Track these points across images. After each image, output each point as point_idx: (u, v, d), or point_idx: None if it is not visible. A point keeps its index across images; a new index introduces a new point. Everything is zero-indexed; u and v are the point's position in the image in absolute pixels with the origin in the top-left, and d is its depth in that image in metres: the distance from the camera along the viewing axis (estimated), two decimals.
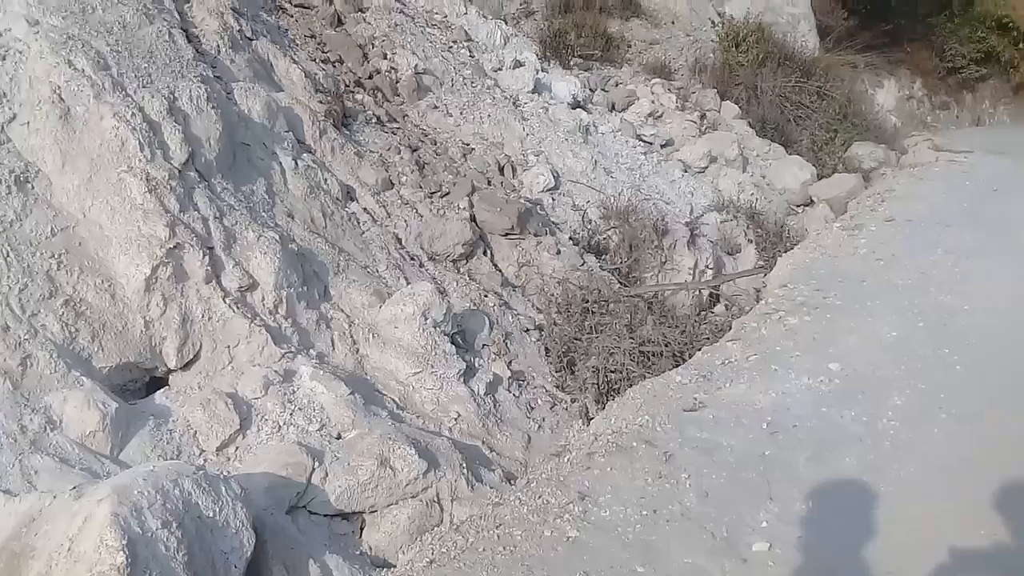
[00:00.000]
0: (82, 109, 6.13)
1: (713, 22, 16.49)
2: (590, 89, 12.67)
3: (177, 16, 7.83)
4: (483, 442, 5.84)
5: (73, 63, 6.29)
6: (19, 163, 5.71)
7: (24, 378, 4.63)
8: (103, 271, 5.48)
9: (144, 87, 6.56)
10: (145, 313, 5.34)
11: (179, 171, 6.27)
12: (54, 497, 3.68)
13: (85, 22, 6.76)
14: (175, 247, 5.66)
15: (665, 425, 5.22)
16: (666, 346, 6.93)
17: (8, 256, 5.17)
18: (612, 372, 6.54)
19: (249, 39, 8.52)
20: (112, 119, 6.11)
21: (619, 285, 8.18)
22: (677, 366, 6.52)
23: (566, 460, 4.96)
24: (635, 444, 4.96)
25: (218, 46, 7.94)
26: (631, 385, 6.26)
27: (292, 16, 9.94)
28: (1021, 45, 33.38)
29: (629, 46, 15.10)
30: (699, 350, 6.77)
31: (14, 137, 5.85)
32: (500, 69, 11.43)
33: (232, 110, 7.29)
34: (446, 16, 12.22)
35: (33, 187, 5.64)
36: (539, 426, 6.29)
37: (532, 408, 6.44)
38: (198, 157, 6.58)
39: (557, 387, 6.76)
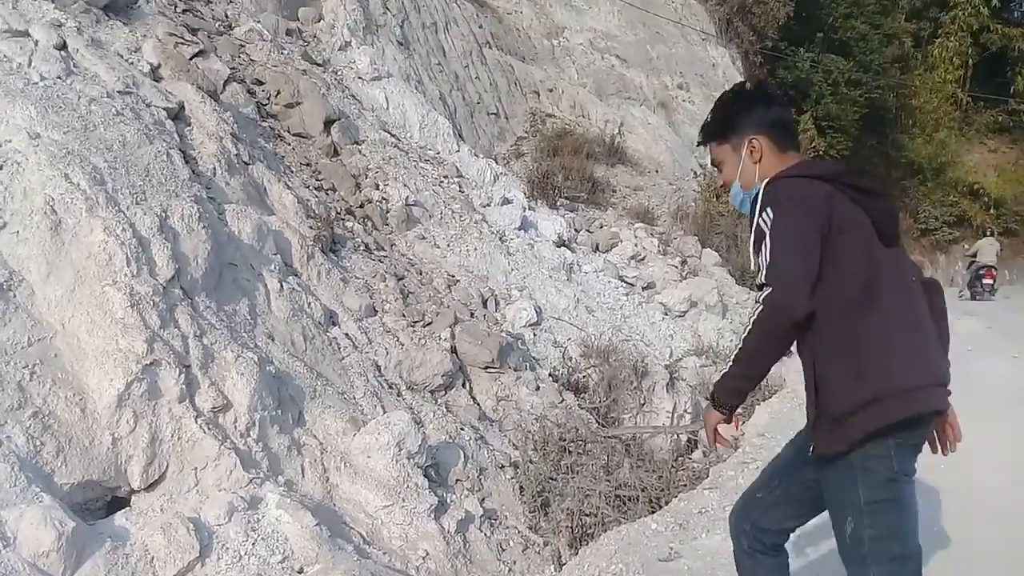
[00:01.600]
0: (73, 222, 6.19)
1: (695, 172, 17.13)
2: (575, 229, 12.99)
3: (177, 138, 8.05)
4: None
5: (69, 177, 6.39)
6: (3, 271, 5.71)
7: None
8: (75, 384, 5.39)
9: (137, 203, 6.66)
10: (114, 430, 5.22)
11: (163, 288, 6.28)
12: None
13: (86, 138, 6.93)
14: (151, 363, 5.59)
15: (639, 574, 5.06)
16: (643, 491, 6.82)
17: None
18: (587, 515, 6.39)
19: (246, 163, 8.73)
20: (102, 233, 6.16)
21: (597, 425, 8.13)
22: (653, 511, 6.40)
23: None
24: None
25: (214, 168, 8.12)
26: (606, 530, 6.11)
27: (289, 144, 10.24)
28: (991, 211, 34.86)
29: (614, 191, 15.61)
30: (676, 497, 6.66)
31: (1, 245, 5.87)
32: (488, 205, 11.72)
33: (223, 230, 7.38)
34: (439, 152, 12.62)
35: (15, 295, 5.61)
36: (509, 569, 6.09)
37: (503, 550, 6.25)
38: (184, 275, 6.61)
39: (530, 528, 6.58)
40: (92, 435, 5.16)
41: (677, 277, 12.70)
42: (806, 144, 24.08)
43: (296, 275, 7.90)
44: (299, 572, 4.96)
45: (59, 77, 7.51)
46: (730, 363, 2.77)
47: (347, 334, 7.72)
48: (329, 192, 9.85)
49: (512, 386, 8.07)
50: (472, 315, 8.98)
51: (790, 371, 11.48)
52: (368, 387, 7.16)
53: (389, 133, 11.96)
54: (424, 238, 10.20)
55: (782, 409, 8.97)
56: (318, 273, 8.13)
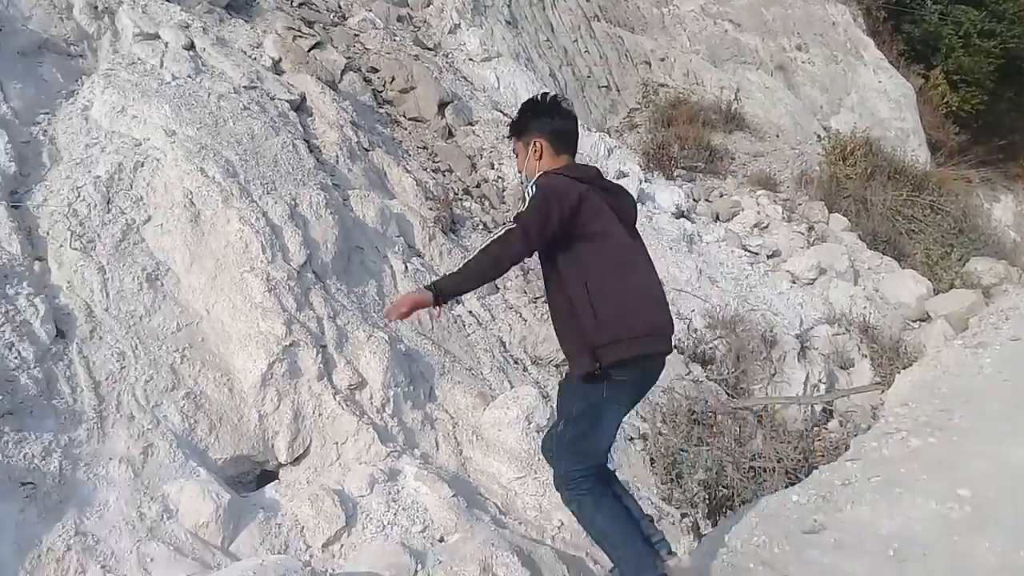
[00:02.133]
0: (210, 213, 6.51)
1: (819, 136, 16.46)
2: (694, 199, 12.72)
3: (300, 128, 8.33)
4: (587, 554, 5.63)
5: (205, 170, 6.72)
6: (151, 262, 6.06)
7: (144, 466, 4.77)
8: (222, 365, 5.68)
9: (268, 193, 6.94)
10: (260, 407, 5.47)
11: (297, 272, 6.53)
12: None
13: (217, 133, 7.25)
14: (291, 344, 5.83)
15: (783, 547, 4.93)
16: (778, 462, 6.65)
17: (136, 349, 5.43)
18: (723, 487, 6.28)
19: (366, 150, 8.95)
20: (238, 222, 6.45)
21: (726, 396, 7.96)
22: (790, 483, 6.22)
23: None
24: (752, 566, 4.69)
25: (337, 156, 8.36)
26: (742, 502, 5.99)
27: (406, 129, 10.43)
28: None
29: (733, 158, 15.19)
30: (815, 468, 6.45)
31: (147, 237, 6.23)
32: None
33: (348, 216, 7.60)
34: None
35: (163, 284, 5.96)
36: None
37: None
38: (315, 259, 6.85)
39: (663, 499, 6.53)
40: (240, 413, 5.42)
41: (804, 244, 12.25)
42: (937, 100, 22.83)
43: (419, 256, 8.05)
44: (439, 541, 5.08)
45: (189, 76, 7.89)
46: (460, 267, 3.46)
47: (471, 312, 7.83)
48: (446, 173, 9.98)
49: None
50: None
51: (929, 338, 10.96)
52: (494, 362, 7.24)
53: (501, 112, 11.99)
54: None
55: (925, 377, 8.54)
56: (440, 253, 8.26)
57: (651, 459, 6.92)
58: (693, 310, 9.43)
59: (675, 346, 8.65)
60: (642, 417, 7.42)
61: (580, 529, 5.77)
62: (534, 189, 3.35)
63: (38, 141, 6.54)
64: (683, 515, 6.29)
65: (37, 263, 5.67)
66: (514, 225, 3.22)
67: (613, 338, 3.34)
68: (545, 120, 3.48)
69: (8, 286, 5.32)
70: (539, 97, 3.58)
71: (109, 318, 5.54)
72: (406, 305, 3.44)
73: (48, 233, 5.88)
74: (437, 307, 3.44)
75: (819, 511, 5.49)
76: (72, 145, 6.61)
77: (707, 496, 6.27)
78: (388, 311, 3.52)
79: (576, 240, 3.33)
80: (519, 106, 3.65)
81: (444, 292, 3.39)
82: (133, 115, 6.94)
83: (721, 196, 13.33)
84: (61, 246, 5.79)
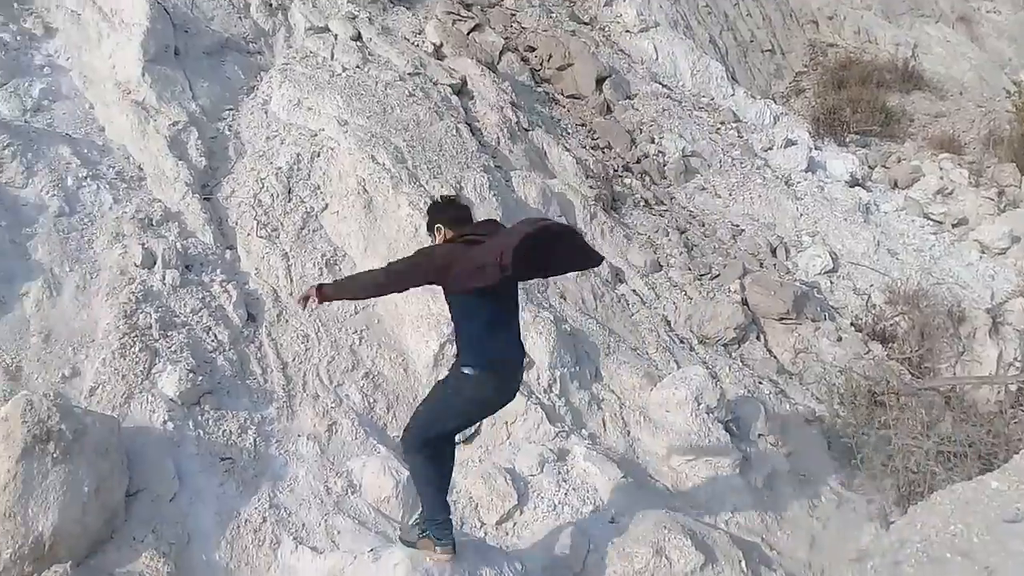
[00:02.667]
0: (382, 199, 6.75)
1: (1008, 91, 15.10)
2: (868, 166, 12.01)
3: (463, 112, 8.48)
4: (762, 539, 5.49)
5: (375, 158, 6.97)
6: (329, 247, 6.37)
7: (330, 443, 5.04)
8: (397, 347, 5.90)
9: (435, 177, 7.11)
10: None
11: None
12: (355, 557, 3.92)
13: (386, 121, 7.50)
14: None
15: (983, 536, 4.59)
16: (970, 446, 6.20)
17: (319, 331, 5.73)
18: (912, 472, 5.92)
19: (526, 130, 9.00)
20: (408, 207, 6.66)
21: (910, 376, 7.50)
22: (986, 469, 5.78)
23: (869, 568, 4.51)
24: (949, 555, 4.40)
25: (498, 137, 8.45)
26: (932, 488, 5.63)
27: (564, 107, 10.40)
28: None
29: (911, 120, 14.20)
30: (1016, 453, 5.96)
31: (325, 224, 6.54)
32: (770, 148, 11.17)
33: (510, 196, 7.68)
34: (713, 99, 12.21)
35: (340, 269, 6.24)
36: (824, 526, 5.83)
37: (815, 506, 5.99)
38: None
39: (842, 484, 6.25)
40: (415, 392, 5.62)
41: (993, 211, 11.30)
42: None
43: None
44: (610, 522, 5.08)
45: (357, 66, 8.19)
46: (345, 279, 4.55)
47: (634, 290, 7.75)
48: (605, 150, 9.89)
49: (811, 337, 7.67)
50: (761, 265, 8.63)
51: None
52: (660, 342, 7.14)
53: (661, 84, 11.75)
54: (704, 188, 9.95)
55: None
56: (601, 231, 8.21)
57: (828, 442, 6.63)
58: (871, 285, 8.92)
59: (852, 323, 8.24)
60: (817, 398, 7.12)
61: (754, 513, 5.65)
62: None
63: (224, 136, 6.99)
64: (868, 501, 6.00)
65: (228, 251, 6.09)
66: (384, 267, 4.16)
67: None
68: (444, 212, 4.31)
69: (204, 273, 5.74)
70: (438, 199, 4.56)
71: (293, 302, 5.86)
72: (302, 295, 4.21)
73: (237, 223, 6.28)
74: (317, 302, 4.13)
75: (1022, 499, 5.08)
76: (255, 138, 7.02)
77: (898, 482, 5.92)
78: (302, 300, 4.20)
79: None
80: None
81: (325, 292, 4.13)
82: (308, 107, 7.28)
83: (899, 161, 12.50)
84: (249, 235, 6.18)
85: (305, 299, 4.12)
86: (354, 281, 4.43)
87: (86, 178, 5.90)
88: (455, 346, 4.23)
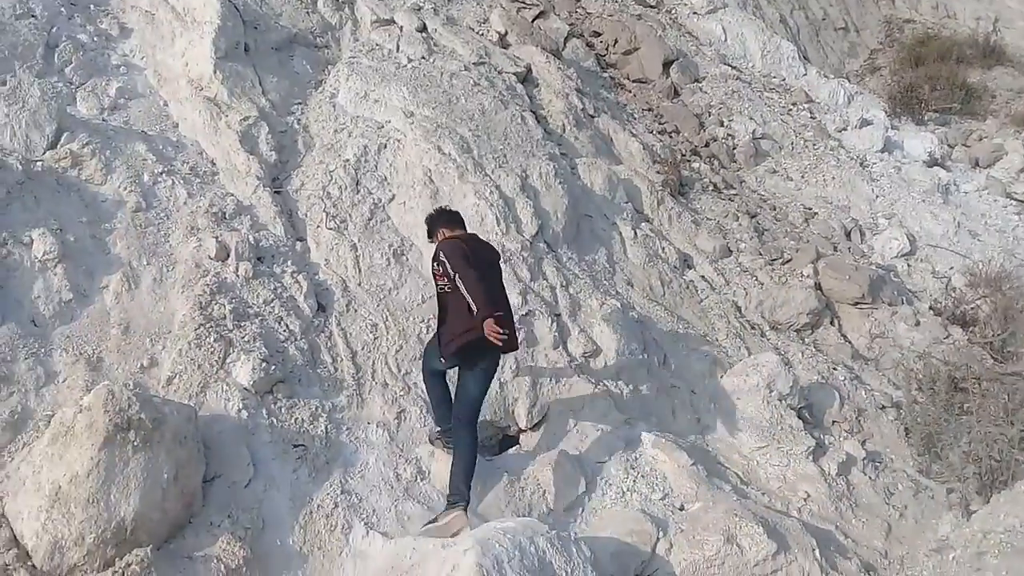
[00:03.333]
0: (448, 189, 6.79)
1: None
2: (948, 145, 11.58)
3: (527, 99, 8.46)
4: (836, 527, 5.37)
5: (442, 148, 7.01)
6: (396, 238, 6.43)
7: (399, 430, 5.11)
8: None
9: (500, 167, 7.12)
10: (500, 375, 5.65)
11: (530, 243, 6.67)
12: (425, 543, 3.96)
13: (451, 111, 7.53)
14: (527, 313, 5.98)
15: None
16: None
17: (387, 320, 5.79)
18: (994, 460, 5.70)
19: (591, 116, 8.93)
20: (474, 197, 6.69)
21: (993, 361, 7.21)
22: None
23: (951, 558, 4.38)
24: None
25: (563, 125, 8.41)
26: (1015, 477, 5.42)
27: (630, 91, 10.29)
28: None
29: (993, 96, 13.62)
30: None
31: (392, 215, 6.61)
32: (845, 129, 10.85)
33: (576, 184, 7.64)
34: (784, 79, 11.93)
35: (407, 259, 6.30)
36: (900, 514, 5.67)
37: (891, 494, 5.82)
38: (546, 229, 6.96)
39: (920, 472, 6.06)
40: None
41: None
42: None
43: (648, 221, 7.95)
44: (680, 509, 5.03)
45: (423, 57, 8.23)
46: (475, 294, 4.63)
47: (703, 276, 7.64)
48: (673, 135, 9.75)
49: (887, 322, 7.45)
50: (835, 249, 8.41)
51: None
52: (730, 328, 7.02)
53: (729, 66, 11.53)
54: (775, 171, 9.73)
55: None
56: (669, 217, 8.11)
57: (906, 429, 6.43)
58: (951, 267, 8.61)
59: (931, 307, 7.96)
60: (894, 384, 6.91)
61: (828, 501, 5.53)
62: (438, 252, 4.83)
63: (293, 130, 7.11)
64: (948, 490, 5.80)
65: (298, 243, 6.20)
66: (458, 272, 4.62)
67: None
68: (442, 219, 5.13)
69: (275, 265, 5.86)
70: (436, 211, 5.31)
71: (362, 292, 5.94)
72: (496, 335, 4.49)
73: (306, 215, 6.40)
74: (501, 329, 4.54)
75: None
76: (323, 132, 7.13)
77: (979, 471, 5.71)
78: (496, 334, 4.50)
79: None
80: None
81: (485, 316, 4.51)
82: (375, 99, 7.36)
83: (980, 140, 12.01)
84: (318, 226, 6.28)
85: (492, 329, 4.45)
86: (476, 290, 4.58)
87: (161, 174, 6.07)
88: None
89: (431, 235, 5.14)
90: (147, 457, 4.01)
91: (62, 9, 6.98)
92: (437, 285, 4.88)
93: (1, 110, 5.90)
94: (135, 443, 3.99)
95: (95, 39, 6.97)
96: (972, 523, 4.87)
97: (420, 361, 5.36)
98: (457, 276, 4.60)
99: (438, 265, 4.79)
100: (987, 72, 14.36)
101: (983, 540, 4.39)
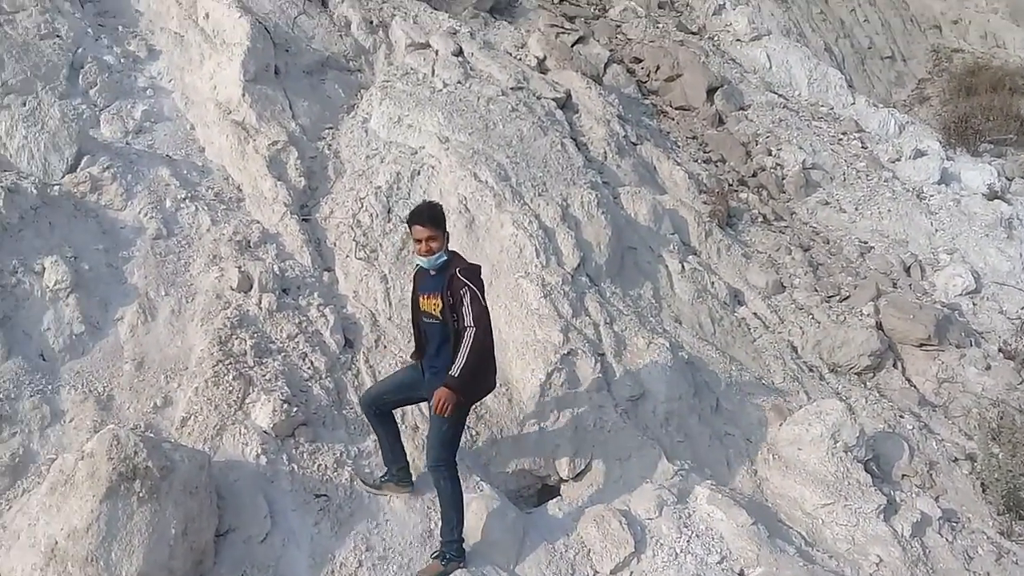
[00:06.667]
0: (484, 218, 6.40)
1: None
2: (1007, 177, 11.00)
3: (567, 126, 8.07)
4: None
5: (478, 175, 6.63)
6: None
7: (429, 480, 4.66)
8: (500, 375, 5.45)
9: (540, 195, 6.73)
10: (539, 419, 5.22)
11: (571, 276, 6.25)
12: None
13: (488, 137, 7.16)
14: (568, 353, 5.54)
15: None
16: None
17: None
18: None
19: (633, 144, 8.54)
20: (511, 226, 6.29)
21: None
22: None
23: None
24: None
25: (605, 152, 8.01)
26: None
27: (673, 119, 9.90)
28: None
29: None
30: None
31: None
32: (898, 160, 10.36)
33: (620, 214, 7.22)
34: (832, 108, 11.47)
35: None
36: None
37: (971, 558, 5.27)
38: (588, 262, 6.54)
39: (1001, 534, 5.50)
40: (520, 425, 5.20)
41: None
42: None
43: (695, 254, 7.50)
44: (739, 574, 4.54)
45: (459, 82, 7.90)
46: (461, 368, 4.14)
47: (755, 313, 7.15)
48: (719, 164, 9.33)
49: (955, 365, 6.91)
50: (895, 285, 7.89)
51: None
52: (786, 371, 6.53)
53: (776, 93, 11.11)
54: (827, 203, 9.25)
55: None
56: (718, 250, 7.65)
57: (983, 485, 5.88)
58: (1022, 307, 8.04)
59: (1001, 349, 7.40)
60: (966, 434, 6.36)
61: (902, 566, 5.00)
62: (465, 283, 4.20)
63: (324, 155, 6.79)
64: None
65: (326, 274, 5.84)
66: (475, 329, 4.14)
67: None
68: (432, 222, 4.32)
69: (301, 297, 5.49)
70: (426, 206, 4.47)
71: (392, 327, 5.56)
72: (451, 402, 4.12)
73: (335, 244, 6.04)
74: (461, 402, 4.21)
75: None
76: (354, 158, 6.80)
77: None
78: (443, 409, 4.14)
79: None
80: (427, 203, 4.55)
81: (458, 392, 4.13)
82: (408, 124, 7.03)
83: None
84: (347, 256, 5.92)
85: (451, 406, 4.12)
86: (469, 362, 4.14)
87: (184, 199, 5.77)
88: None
89: (442, 230, 4.30)
90: (153, 510, 3.63)
91: (89, 30, 6.75)
92: (427, 311, 4.29)
93: (20, 132, 5.65)
94: (140, 494, 3.61)
95: (122, 60, 6.73)
96: None
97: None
98: (469, 329, 4.09)
99: (451, 296, 4.17)
100: None
101: None
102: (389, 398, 4.55)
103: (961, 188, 10.09)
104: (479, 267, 4.46)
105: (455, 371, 4.08)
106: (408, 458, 4.63)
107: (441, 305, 4.21)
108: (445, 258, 4.30)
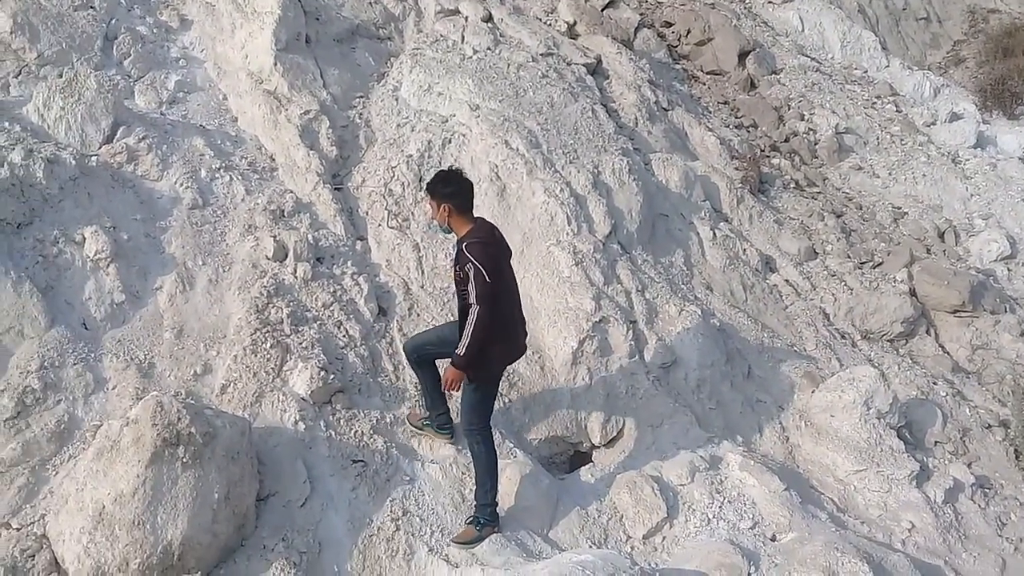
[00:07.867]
0: (516, 186, 6.40)
1: None
2: None
3: (598, 92, 8.01)
4: (945, 561, 4.85)
5: (509, 143, 6.62)
6: None
7: (464, 445, 4.72)
8: (533, 342, 5.49)
9: (571, 162, 6.71)
10: (572, 386, 5.26)
11: (603, 244, 6.25)
12: (495, 573, 3.59)
13: (518, 104, 7.13)
14: (600, 320, 5.56)
15: None
16: None
17: None
18: None
19: (665, 109, 8.46)
20: (543, 194, 6.29)
21: None
22: None
23: None
24: None
25: (635, 118, 7.95)
26: None
27: (704, 84, 9.78)
28: None
29: None
30: None
31: None
32: (933, 123, 10.17)
33: (651, 181, 7.18)
34: (866, 71, 11.25)
35: None
36: (1015, 548, 5.12)
37: (1004, 524, 5.27)
38: (620, 229, 6.52)
39: None
40: (553, 392, 5.25)
41: None
42: None
43: (727, 220, 7.45)
44: (772, 540, 4.58)
45: (488, 48, 7.85)
46: (465, 346, 4.19)
47: (787, 280, 7.11)
48: (750, 129, 9.22)
49: (990, 332, 6.84)
50: (929, 251, 7.81)
51: None
52: (818, 337, 6.50)
53: (808, 57, 10.92)
54: (861, 168, 9.12)
55: None
56: (749, 216, 7.59)
57: (1015, 451, 5.86)
58: None
59: None
60: (999, 400, 6.32)
61: (935, 532, 5.02)
62: (469, 258, 4.18)
63: (355, 124, 6.81)
64: None
65: (359, 242, 5.89)
66: (479, 307, 4.14)
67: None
68: (449, 190, 4.31)
69: (335, 266, 5.55)
70: (445, 170, 4.53)
71: (425, 295, 5.60)
72: (457, 380, 4.26)
73: (367, 213, 6.08)
74: (467, 378, 4.28)
75: None
76: (385, 126, 6.81)
77: None
78: (450, 386, 4.29)
79: None
80: (434, 176, 4.49)
81: (463, 368, 4.21)
82: (439, 92, 7.02)
83: None
84: (380, 225, 5.97)
85: (458, 383, 4.25)
86: (474, 340, 4.18)
87: (219, 169, 5.82)
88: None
89: (430, 194, 4.36)
90: (197, 475, 3.73)
91: (122, 0, 6.79)
92: (453, 279, 4.36)
93: (56, 103, 5.70)
94: (184, 459, 3.70)
95: (154, 31, 6.77)
96: None
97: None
98: (474, 307, 4.12)
99: (460, 271, 4.22)
100: None
101: None
102: (431, 349, 4.65)
103: (997, 152, 9.90)
104: (486, 239, 4.36)
105: (460, 349, 4.17)
106: (447, 406, 4.75)
107: (455, 276, 4.32)
108: (447, 228, 4.40)
